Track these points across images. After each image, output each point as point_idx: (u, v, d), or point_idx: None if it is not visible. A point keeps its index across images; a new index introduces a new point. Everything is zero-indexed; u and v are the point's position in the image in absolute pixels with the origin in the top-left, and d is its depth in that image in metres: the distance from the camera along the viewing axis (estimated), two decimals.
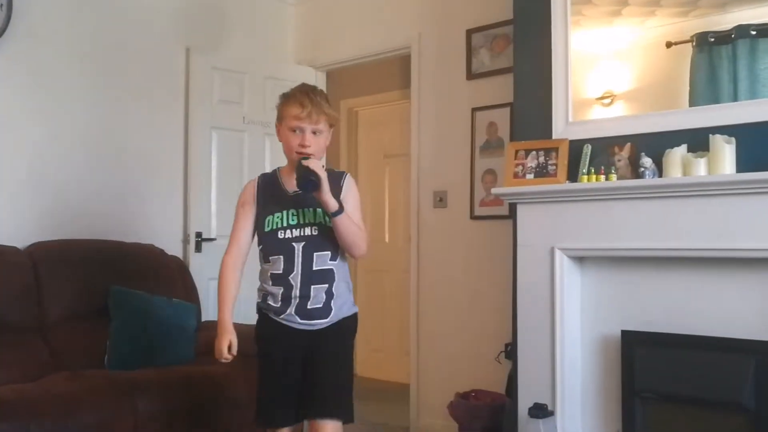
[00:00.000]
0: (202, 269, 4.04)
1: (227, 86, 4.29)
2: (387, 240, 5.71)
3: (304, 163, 2.17)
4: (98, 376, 3.03)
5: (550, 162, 3.13)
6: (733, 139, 2.70)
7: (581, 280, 3.11)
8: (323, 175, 2.15)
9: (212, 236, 4.19)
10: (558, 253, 3.07)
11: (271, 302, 2.29)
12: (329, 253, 2.28)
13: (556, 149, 3.13)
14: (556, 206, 3.09)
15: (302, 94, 2.25)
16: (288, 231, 2.25)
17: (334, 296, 2.29)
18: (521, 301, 3.19)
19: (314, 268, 2.24)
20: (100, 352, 3.26)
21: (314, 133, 2.24)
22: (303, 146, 2.23)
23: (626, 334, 2.95)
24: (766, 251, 2.61)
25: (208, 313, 3.87)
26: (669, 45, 3.05)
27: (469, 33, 3.97)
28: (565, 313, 3.07)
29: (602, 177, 2.96)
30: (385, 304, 5.55)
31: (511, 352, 3.38)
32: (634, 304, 2.96)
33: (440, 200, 4.10)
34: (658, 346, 2.88)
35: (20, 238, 3.42)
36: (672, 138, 2.85)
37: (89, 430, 2.73)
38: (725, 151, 2.70)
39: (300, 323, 2.28)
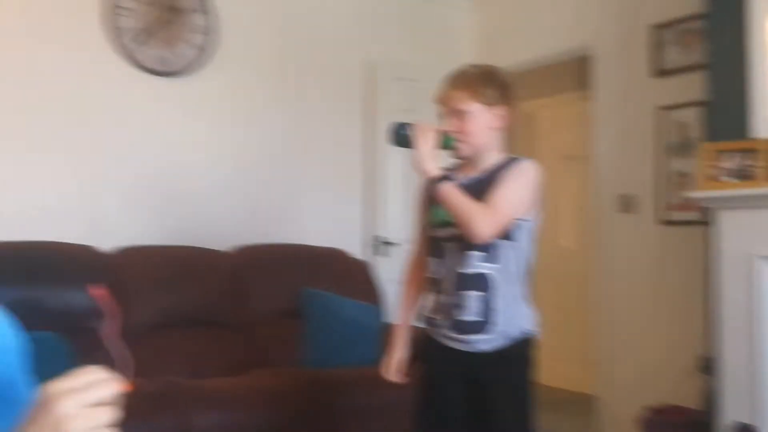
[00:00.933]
0: (386, 272, 4.18)
1: (407, 95, 4.41)
2: (566, 245, 5.58)
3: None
4: (297, 373, 3.23)
5: (751, 164, 2.92)
6: None
7: None
8: (425, 134, 1.90)
9: (396, 240, 4.33)
10: (761, 262, 2.86)
11: (429, 312, 2.06)
12: (485, 254, 1.93)
13: (759, 150, 2.91)
14: (760, 212, 2.88)
15: (448, 76, 2.02)
16: (442, 228, 1.99)
17: (497, 309, 1.94)
18: (721, 313, 3.01)
19: (465, 271, 1.94)
20: (294, 351, 3.48)
21: (456, 115, 1.97)
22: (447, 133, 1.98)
23: None
24: None
25: (393, 316, 3.99)
26: None
27: (654, 29, 3.79)
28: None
29: None
30: (564, 310, 5.43)
31: (707, 366, 3.19)
32: None
33: (625, 204, 3.95)
34: None
35: (225, 241, 3.74)
36: None
37: (292, 423, 2.92)
38: None
39: (453, 339, 1.98)
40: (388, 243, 4.34)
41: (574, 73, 4.97)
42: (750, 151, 2.94)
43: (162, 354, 3.11)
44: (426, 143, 1.88)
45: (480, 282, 1.93)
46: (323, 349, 3.48)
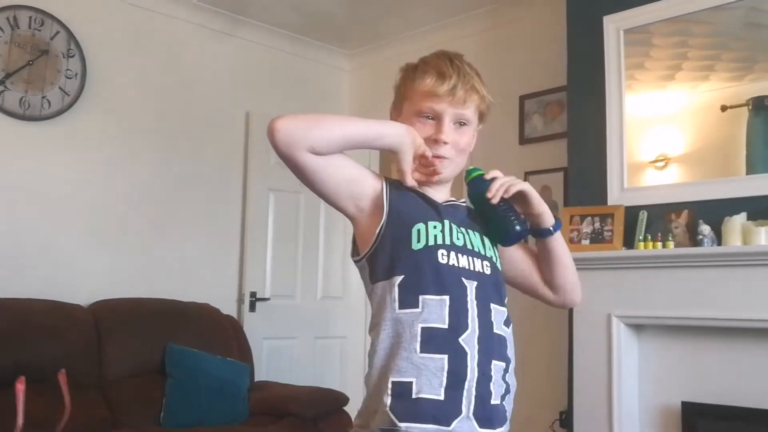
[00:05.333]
0: (256, 329, 4.08)
1: None
2: None
3: (488, 177, 1.37)
4: None
5: (605, 228, 3.15)
6: None
7: (639, 349, 3.07)
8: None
9: (266, 296, 4.23)
10: (615, 321, 3.04)
11: (420, 392, 1.21)
12: (506, 311, 1.35)
13: (612, 215, 3.15)
14: (613, 273, 3.08)
15: (442, 59, 1.38)
16: (456, 255, 1.29)
17: (512, 389, 1.35)
18: (577, 369, 3.16)
19: (495, 330, 1.30)
20: (156, 409, 3.29)
21: (458, 123, 1.38)
22: (437, 141, 1.36)
23: (687, 406, 2.89)
24: None
25: (261, 373, 3.88)
26: (724, 109, 3.07)
27: (522, 99, 4.05)
28: (623, 382, 3.02)
29: (659, 244, 2.95)
30: None
31: (566, 420, 3.33)
32: (694, 375, 2.90)
33: None
34: (720, 419, 2.80)
35: (85, 296, 3.52)
36: (731, 205, 2.84)
37: None
38: None
39: None
40: (261, 299, 4.23)
41: None
42: (606, 216, 3.18)
43: (13, 414, 2.81)
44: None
45: (506, 349, 1.33)
46: (187, 408, 3.33)
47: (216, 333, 3.70)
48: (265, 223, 4.32)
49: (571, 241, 3.22)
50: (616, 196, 3.20)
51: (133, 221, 3.85)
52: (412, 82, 1.39)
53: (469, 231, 1.36)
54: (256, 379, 3.78)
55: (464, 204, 1.43)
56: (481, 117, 1.43)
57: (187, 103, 4.13)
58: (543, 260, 1.48)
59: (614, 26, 3.31)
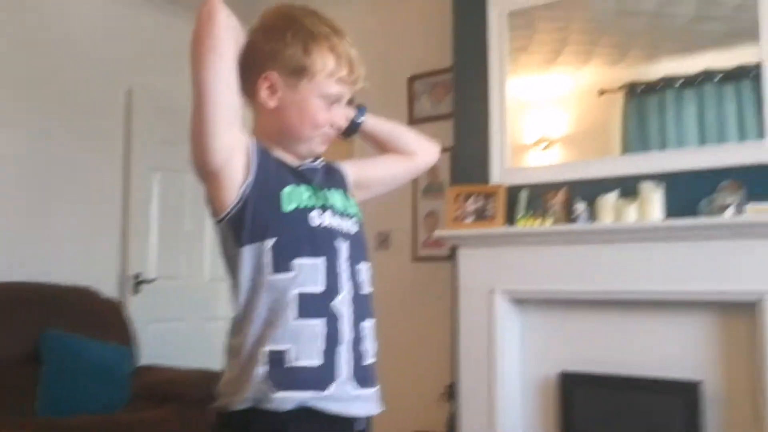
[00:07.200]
0: (141, 311, 3.94)
1: (169, 126, 4.23)
2: None
3: None
4: (28, 423, 2.91)
5: (488, 206, 3.25)
6: (661, 186, 2.85)
7: (521, 322, 3.19)
8: None
9: (152, 277, 4.09)
10: (497, 296, 3.15)
11: (297, 360, 1.20)
12: (370, 266, 1.36)
13: (494, 194, 3.26)
14: (495, 249, 3.18)
15: (338, 36, 1.30)
16: (328, 215, 1.29)
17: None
18: (462, 343, 3.25)
19: (364, 291, 1.31)
20: (30, 398, 3.13)
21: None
22: (337, 127, 1.35)
23: (564, 376, 3.03)
24: (690, 294, 2.75)
25: (148, 357, 3.76)
26: (601, 93, 3.21)
27: (411, 80, 4.09)
28: (505, 355, 3.13)
29: (538, 221, 3.09)
30: None
31: (451, 392, 3.43)
32: (572, 346, 3.05)
33: (383, 241, 4.15)
34: (595, 387, 2.97)
35: None
36: (604, 184, 2.99)
37: None
38: (654, 198, 2.86)
39: (357, 400, 1.30)
40: (144, 281, 4.08)
41: None
42: (489, 195, 3.27)
43: None
44: None
45: (371, 304, 1.34)
46: (64, 395, 3.18)
47: (95, 317, 3.55)
48: (149, 202, 4.17)
49: (455, 219, 3.30)
50: (498, 176, 3.30)
51: (5, 198, 3.61)
52: (315, 57, 1.26)
53: (330, 190, 1.35)
54: (143, 363, 3.65)
55: (320, 165, 1.40)
56: None
57: (61, 75, 3.89)
58: (384, 145, 1.53)
59: (498, 9, 3.39)
